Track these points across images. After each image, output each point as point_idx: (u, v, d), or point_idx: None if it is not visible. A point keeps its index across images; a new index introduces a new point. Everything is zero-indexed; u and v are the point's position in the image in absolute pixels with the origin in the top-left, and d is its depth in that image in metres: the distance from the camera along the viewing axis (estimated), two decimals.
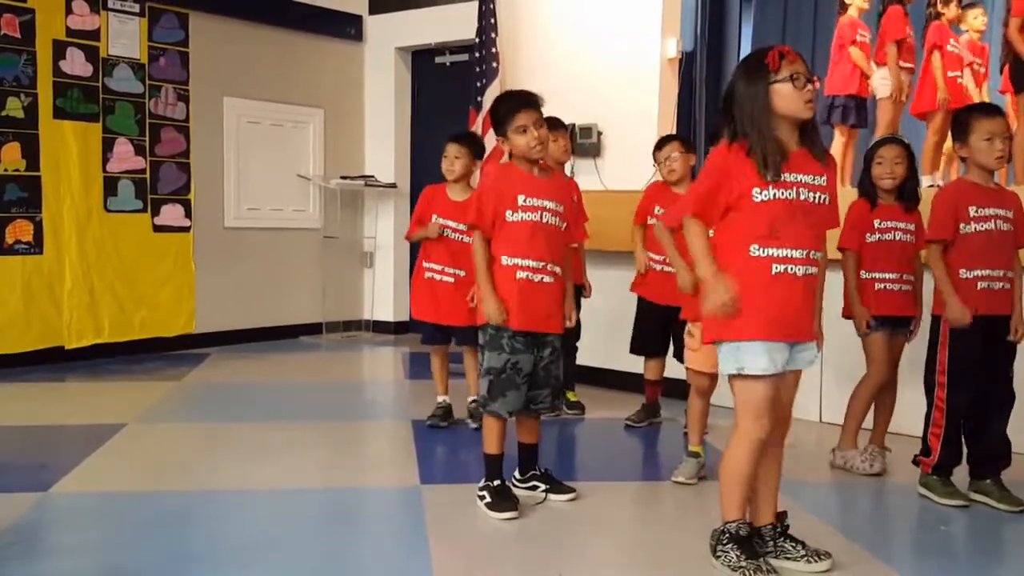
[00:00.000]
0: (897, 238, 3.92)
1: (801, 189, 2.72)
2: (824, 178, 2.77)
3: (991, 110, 3.64)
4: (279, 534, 3.22)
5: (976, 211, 3.50)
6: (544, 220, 3.41)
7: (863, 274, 3.95)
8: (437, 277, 4.62)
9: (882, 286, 3.93)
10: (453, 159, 4.58)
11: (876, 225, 3.93)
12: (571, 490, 3.62)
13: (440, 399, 4.82)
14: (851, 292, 3.94)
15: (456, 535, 3.28)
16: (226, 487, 3.75)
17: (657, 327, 4.73)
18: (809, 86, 2.70)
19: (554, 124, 4.62)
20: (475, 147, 4.68)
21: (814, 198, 2.74)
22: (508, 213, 3.40)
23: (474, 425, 4.58)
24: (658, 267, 4.64)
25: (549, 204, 3.43)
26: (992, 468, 3.63)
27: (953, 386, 3.57)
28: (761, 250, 2.72)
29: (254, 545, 3.12)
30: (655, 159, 4.70)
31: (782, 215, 2.71)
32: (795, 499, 3.61)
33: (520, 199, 3.40)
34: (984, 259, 3.51)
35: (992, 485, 3.61)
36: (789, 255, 2.72)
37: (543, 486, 3.62)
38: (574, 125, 6.64)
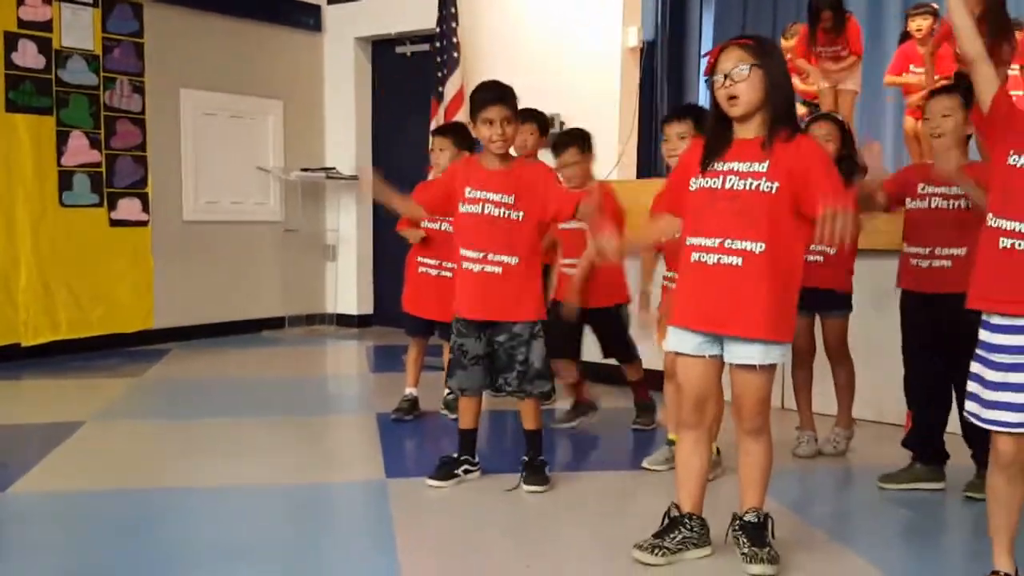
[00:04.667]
0: None
1: (729, 177, 2.72)
2: (765, 164, 2.68)
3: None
4: (243, 532, 3.19)
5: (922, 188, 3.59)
6: (485, 211, 3.48)
7: None
8: (433, 272, 4.61)
9: None
10: (438, 152, 4.57)
11: None
12: (543, 482, 3.63)
13: (407, 391, 4.80)
14: None
15: (423, 528, 3.27)
16: (188, 485, 3.70)
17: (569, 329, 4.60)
18: (727, 82, 2.70)
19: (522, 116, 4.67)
20: (459, 138, 4.60)
21: (744, 185, 2.70)
22: (460, 204, 3.54)
23: (452, 416, 4.56)
24: (569, 271, 4.51)
25: (493, 196, 3.48)
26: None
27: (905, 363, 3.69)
28: (688, 239, 2.82)
29: (217, 543, 3.08)
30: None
31: (703, 203, 2.77)
32: None
33: (467, 191, 3.52)
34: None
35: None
36: (702, 243, 2.76)
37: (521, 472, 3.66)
38: None
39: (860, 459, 4.11)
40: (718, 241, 2.72)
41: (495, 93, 3.55)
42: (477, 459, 3.76)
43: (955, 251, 3.45)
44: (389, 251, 7.61)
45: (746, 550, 2.81)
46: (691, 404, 2.88)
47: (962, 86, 3.77)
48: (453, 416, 4.52)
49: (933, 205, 3.53)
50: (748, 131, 2.75)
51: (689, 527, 2.90)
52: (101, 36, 6.52)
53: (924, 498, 3.59)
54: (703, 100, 7.81)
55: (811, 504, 3.68)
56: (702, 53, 8.09)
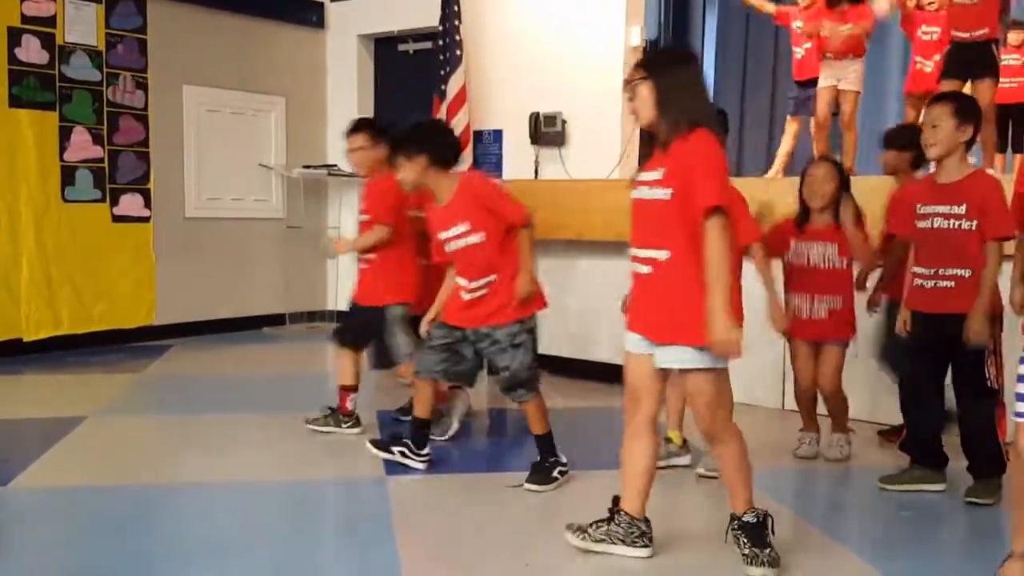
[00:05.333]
0: (811, 263, 3.93)
1: (642, 188, 2.81)
2: (660, 172, 2.75)
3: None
4: (243, 528, 3.20)
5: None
6: (456, 247, 3.63)
7: (788, 295, 4.01)
8: None
9: (795, 307, 3.97)
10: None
11: (793, 246, 3.98)
12: (543, 482, 3.63)
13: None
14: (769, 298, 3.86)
15: (422, 525, 3.27)
16: (189, 481, 3.71)
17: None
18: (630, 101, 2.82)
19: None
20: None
21: (650, 195, 2.78)
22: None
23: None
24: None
25: (453, 231, 3.62)
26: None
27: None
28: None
29: (218, 539, 3.09)
30: None
31: (633, 212, 2.86)
32: (760, 486, 3.64)
33: (439, 235, 3.68)
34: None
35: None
36: (632, 253, 2.85)
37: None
38: (538, 114, 6.63)
39: (859, 460, 4.11)
40: (639, 251, 2.81)
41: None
42: (427, 451, 3.82)
43: (958, 271, 3.41)
44: None
45: (747, 551, 2.81)
46: (626, 396, 2.94)
47: (957, 94, 3.77)
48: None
49: (935, 225, 3.47)
50: (668, 139, 2.80)
51: (617, 523, 2.93)
52: (104, 32, 6.53)
53: (924, 499, 3.59)
54: None
55: (811, 505, 3.69)
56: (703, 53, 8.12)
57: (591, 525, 2.96)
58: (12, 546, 3.04)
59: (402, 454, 3.81)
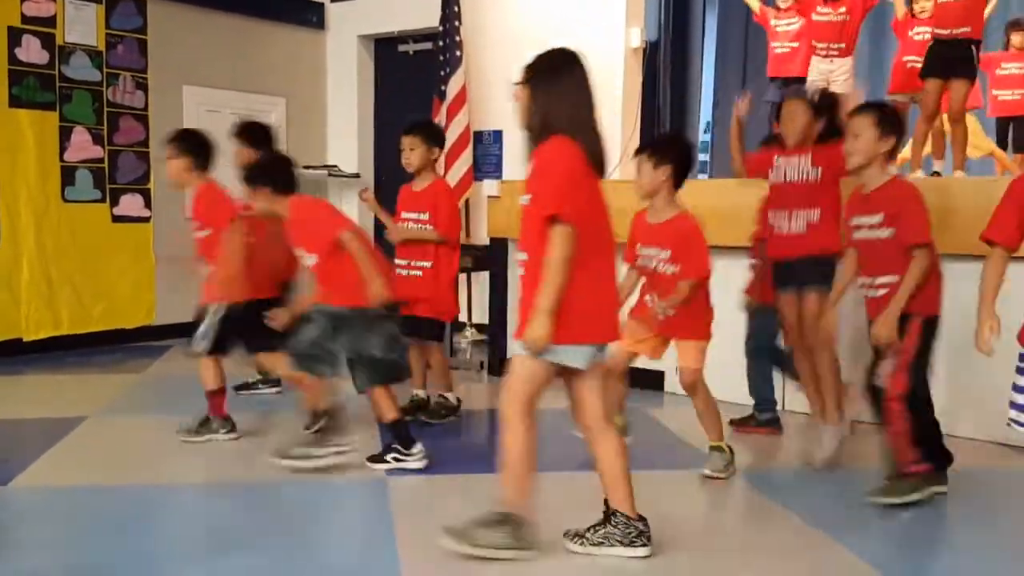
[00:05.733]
0: (787, 179, 3.94)
1: (521, 195, 2.85)
2: (524, 178, 2.84)
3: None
4: (243, 528, 3.20)
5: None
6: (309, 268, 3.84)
7: (770, 214, 4.03)
8: (404, 272, 4.62)
9: (775, 226, 3.98)
10: (408, 151, 4.55)
11: (774, 162, 3.99)
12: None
13: (413, 392, 4.77)
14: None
15: (423, 526, 3.26)
16: (188, 481, 3.72)
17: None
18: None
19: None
20: (430, 135, 4.62)
21: (522, 200, 2.83)
22: None
23: (433, 421, 4.61)
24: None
25: (299, 255, 3.84)
26: None
27: None
28: None
29: (218, 539, 3.09)
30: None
31: None
32: (759, 487, 3.64)
33: None
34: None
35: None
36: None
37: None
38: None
39: (859, 460, 4.11)
40: (518, 254, 2.88)
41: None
42: (418, 448, 3.83)
43: (889, 279, 3.39)
44: (390, 250, 7.61)
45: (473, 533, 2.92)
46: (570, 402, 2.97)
47: (880, 104, 3.75)
48: (434, 422, 4.60)
49: (862, 236, 3.50)
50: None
51: (613, 524, 2.93)
52: (105, 32, 6.54)
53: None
54: (706, 102, 7.84)
55: (811, 505, 3.68)
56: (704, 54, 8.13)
57: (588, 530, 2.96)
58: (12, 546, 3.04)
59: (396, 459, 3.82)
